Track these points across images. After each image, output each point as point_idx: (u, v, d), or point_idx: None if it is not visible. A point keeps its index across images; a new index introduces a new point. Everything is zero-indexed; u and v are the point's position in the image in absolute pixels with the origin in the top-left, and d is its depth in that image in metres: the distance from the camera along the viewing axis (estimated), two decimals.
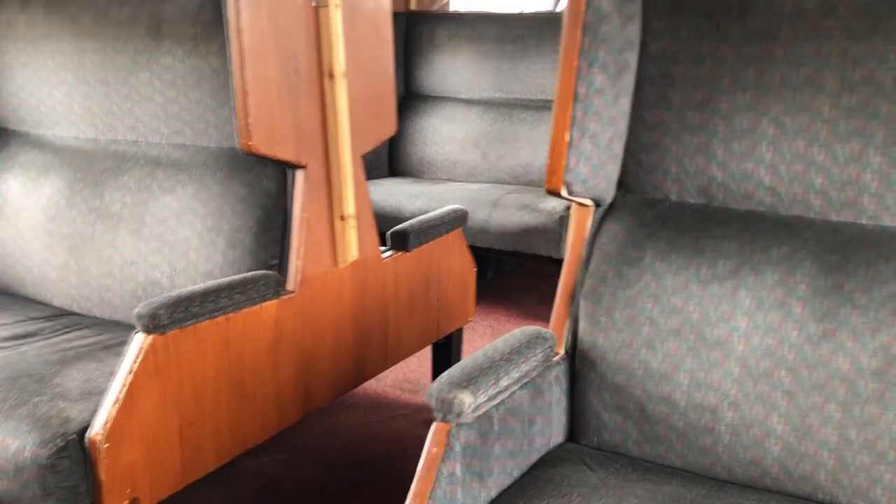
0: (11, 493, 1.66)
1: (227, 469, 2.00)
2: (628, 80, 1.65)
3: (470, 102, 4.32)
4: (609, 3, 1.52)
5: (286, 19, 1.98)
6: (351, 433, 2.72)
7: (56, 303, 2.36)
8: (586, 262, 1.72)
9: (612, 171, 1.69)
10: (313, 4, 2.06)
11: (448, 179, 4.25)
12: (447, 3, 5.21)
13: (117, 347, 2.04)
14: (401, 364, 2.93)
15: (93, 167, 2.35)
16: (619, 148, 1.68)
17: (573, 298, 1.73)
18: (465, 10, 5.25)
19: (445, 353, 2.88)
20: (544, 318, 4.13)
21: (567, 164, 1.58)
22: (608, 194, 1.71)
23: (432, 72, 4.41)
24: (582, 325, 1.69)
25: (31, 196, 2.42)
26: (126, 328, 2.20)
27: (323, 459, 2.57)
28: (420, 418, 2.80)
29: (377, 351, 2.43)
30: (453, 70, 4.36)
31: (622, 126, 1.67)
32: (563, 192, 1.59)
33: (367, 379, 2.43)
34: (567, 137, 1.57)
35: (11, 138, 2.54)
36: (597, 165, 1.63)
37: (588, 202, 1.69)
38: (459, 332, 2.89)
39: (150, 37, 2.20)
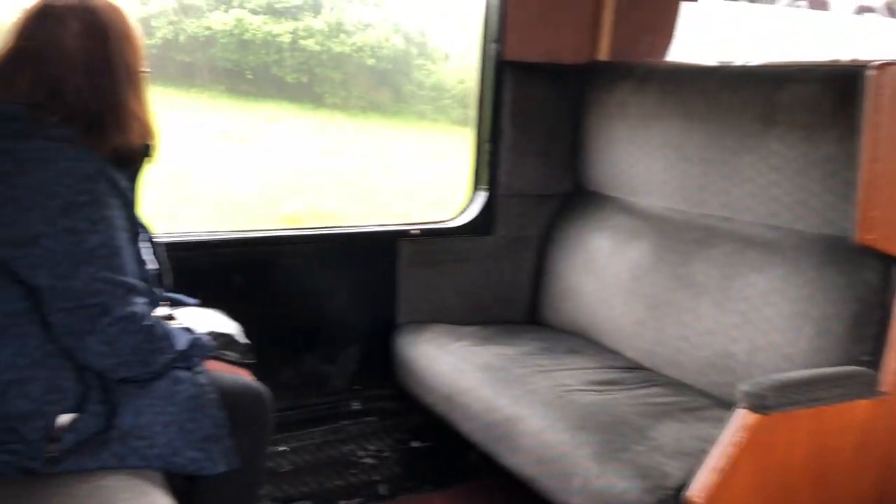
0: None
1: None
2: None
3: None
4: None
5: None
6: None
7: (629, 355, 2.60)
8: None
9: None
10: None
11: None
12: None
13: (696, 412, 2.17)
14: None
15: (680, 237, 2.54)
16: None
17: None
18: None
19: None
20: None
21: None
22: None
23: None
24: None
25: (618, 256, 2.70)
26: (696, 393, 2.32)
27: None
28: None
29: None
30: None
31: None
32: None
33: None
34: None
35: (605, 203, 2.88)
36: None
37: None
38: None
39: (760, 122, 2.31)
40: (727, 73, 2.50)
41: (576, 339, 2.77)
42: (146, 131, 1.81)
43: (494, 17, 2.83)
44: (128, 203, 1.76)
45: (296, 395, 2.76)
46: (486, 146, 2.91)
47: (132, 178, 1.83)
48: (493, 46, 2.85)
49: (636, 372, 2.47)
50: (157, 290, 1.96)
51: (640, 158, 2.70)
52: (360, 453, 2.82)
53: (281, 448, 2.67)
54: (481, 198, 2.97)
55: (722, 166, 2.43)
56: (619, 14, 2.95)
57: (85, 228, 1.63)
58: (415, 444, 2.91)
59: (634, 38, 3.02)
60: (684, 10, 3.00)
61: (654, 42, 3.08)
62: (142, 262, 1.86)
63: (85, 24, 1.71)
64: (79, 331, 1.64)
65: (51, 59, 1.69)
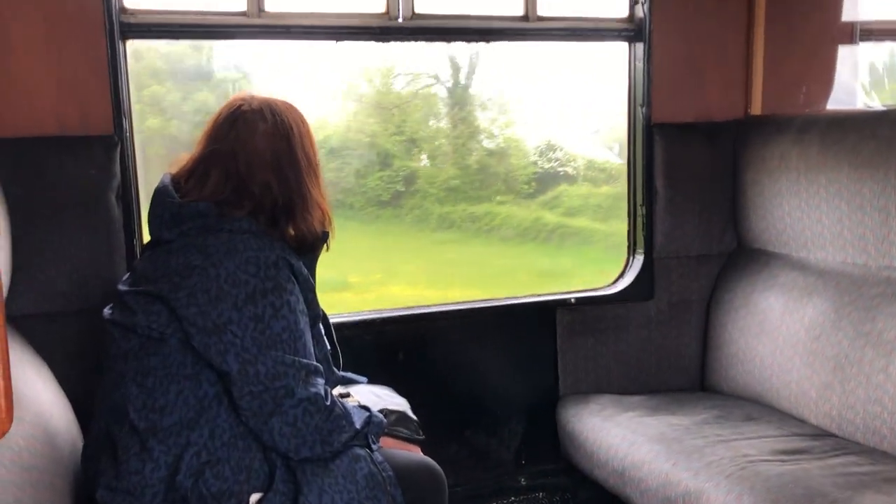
0: None
1: None
2: None
3: None
4: None
5: None
6: None
7: (813, 421, 2.43)
8: None
9: None
10: None
11: None
12: None
13: None
14: None
15: (861, 292, 2.37)
16: None
17: None
18: None
19: None
20: None
21: None
22: None
23: None
24: None
25: (793, 315, 2.55)
26: None
27: None
28: None
29: None
30: None
31: None
32: None
33: None
34: None
35: (772, 260, 2.74)
36: None
37: None
38: None
39: None
40: None
41: (752, 406, 2.62)
42: (325, 218, 1.91)
43: (640, 82, 2.82)
44: (307, 287, 1.85)
45: (461, 471, 2.75)
46: (641, 210, 2.87)
47: (310, 263, 1.92)
48: (640, 110, 2.84)
49: (824, 439, 2.30)
50: (332, 370, 2.02)
51: (807, 212, 2.57)
52: None
53: None
54: (638, 262, 2.91)
55: None
56: (770, 66, 2.88)
57: (269, 314, 1.72)
58: None
59: (788, 90, 2.93)
60: (842, 55, 2.89)
61: (810, 91, 2.97)
62: (319, 344, 1.94)
63: (270, 124, 1.85)
64: (264, 412, 1.71)
65: (241, 159, 1.83)
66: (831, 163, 2.48)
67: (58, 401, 1.95)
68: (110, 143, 2.25)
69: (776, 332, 2.60)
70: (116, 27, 2.25)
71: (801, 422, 2.46)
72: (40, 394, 1.82)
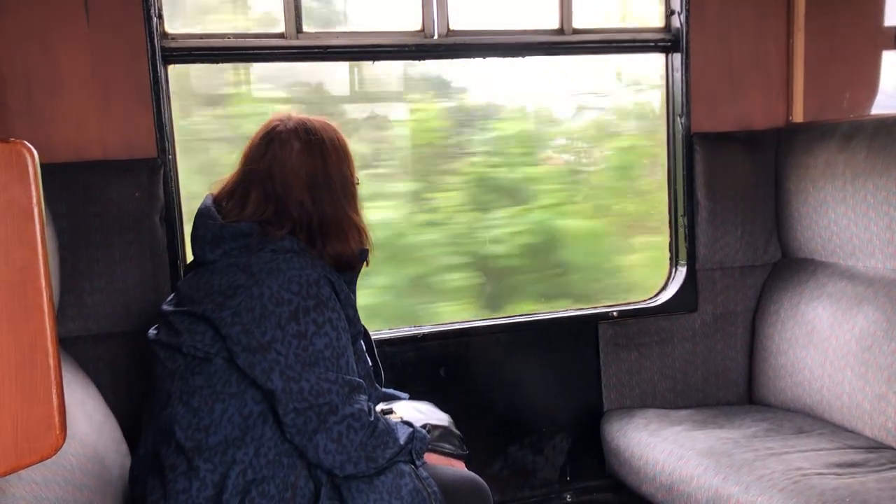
0: None
1: None
2: None
3: None
4: None
5: None
6: None
7: (868, 433, 2.36)
8: None
9: None
10: None
11: None
12: None
13: None
14: None
15: None
16: None
17: None
18: None
19: None
20: None
21: None
22: None
23: None
24: None
25: (842, 326, 2.49)
26: None
27: None
28: None
29: None
30: None
31: None
32: None
33: None
34: None
35: (819, 269, 2.69)
36: None
37: None
38: None
39: None
40: None
41: (802, 419, 2.55)
42: (362, 237, 1.91)
43: (679, 91, 2.80)
44: (347, 304, 1.85)
45: (506, 488, 2.73)
46: (682, 220, 2.84)
47: (350, 281, 1.92)
48: (679, 120, 2.81)
49: (880, 452, 2.23)
50: (375, 386, 2.02)
51: (854, 220, 2.52)
52: None
53: None
54: (681, 274, 2.87)
55: None
56: (811, 73, 2.83)
57: (312, 332, 1.72)
58: None
59: (830, 96, 2.88)
60: (886, 61, 2.84)
61: (853, 97, 2.92)
62: (361, 360, 1.94)
63: (305, 143, 1.86)
64: (309, 429, 1.71)
65: (277, 179, 1.84)
66: (879, 168, 2.42)
67: (107, 421, 1.97)
68: (154, 165, 2.29)
69: (825, 343, 2.54)
70: (158, 52, 2.29)
71: (856, 434, 2.39)
72: (90, 414, 1.84)
